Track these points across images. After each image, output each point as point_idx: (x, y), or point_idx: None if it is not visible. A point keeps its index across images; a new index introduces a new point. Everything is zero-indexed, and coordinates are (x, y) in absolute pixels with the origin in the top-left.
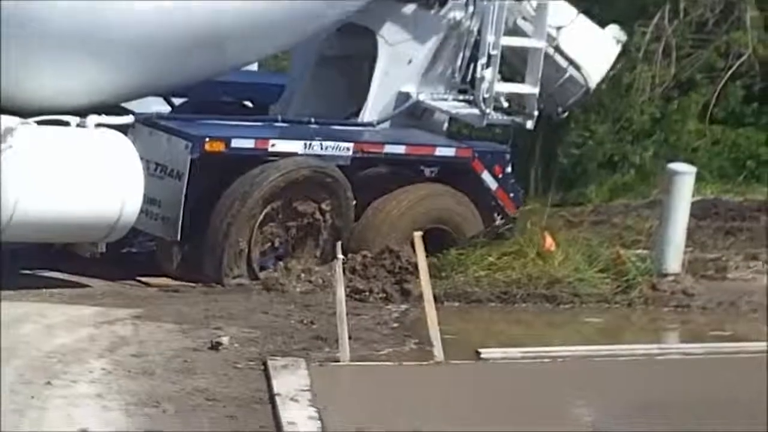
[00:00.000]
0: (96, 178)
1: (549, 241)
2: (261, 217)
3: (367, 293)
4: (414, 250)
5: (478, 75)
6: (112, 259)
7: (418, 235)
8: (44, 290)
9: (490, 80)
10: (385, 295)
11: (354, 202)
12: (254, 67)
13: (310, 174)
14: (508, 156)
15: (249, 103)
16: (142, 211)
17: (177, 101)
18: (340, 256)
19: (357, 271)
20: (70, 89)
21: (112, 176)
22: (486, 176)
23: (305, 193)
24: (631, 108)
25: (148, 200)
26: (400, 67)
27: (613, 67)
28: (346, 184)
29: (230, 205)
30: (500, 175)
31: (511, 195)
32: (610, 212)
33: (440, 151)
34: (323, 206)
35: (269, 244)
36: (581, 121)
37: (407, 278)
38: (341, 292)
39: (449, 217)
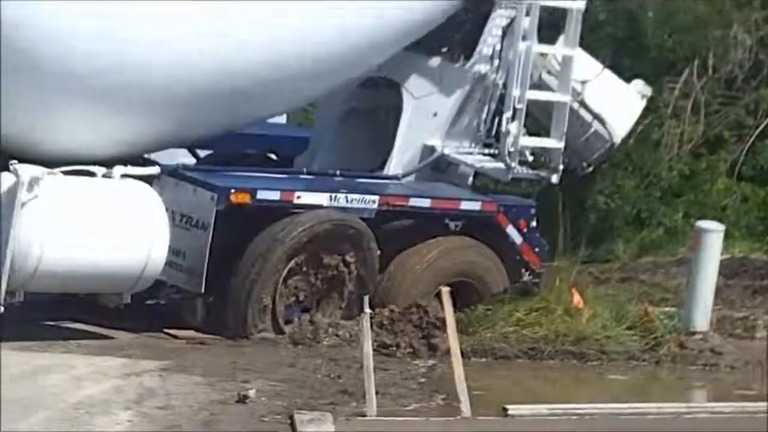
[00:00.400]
0: (122, 229)
1: (577, 297)
2: (285, 272)
3: (395, 348)
4: (441, 306)
5: (503, 129)
6: (137, 310)
7: (446, 290)
8: (70, 341)
9: (516, 134)
10: (412, 349)
11: (378, 252)
12: (283, 119)
13: (332, 227)
14: (533, 210)
15: (273, 156)
16: (167, 262)
17: (202, 153)
18: (368, 310)
19: (384, 325)
20: (95, 139)
21: (137, 227)
22: (511, 230)
23: (329, 246)
24: (659, 164)
25: (173, 251)
26: (425, 120)
27: (641, 123)
28: (370, 235)
29: (253, 263)
30: (525, 230)
31: (536, 249)
32: (638, 269)
33: (465, 205)
34: (347, 258)
35: (294, 297)
36: (609, 176)
37: (435, 333)
38: (368, 346)
39: (474, 270)
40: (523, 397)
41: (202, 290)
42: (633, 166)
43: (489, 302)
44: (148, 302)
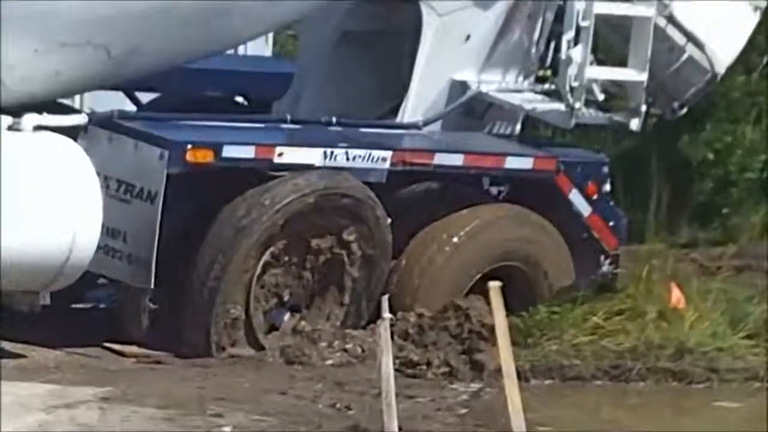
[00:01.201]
0: (36, 202)
1: (676, 295)
2: (258, 269)
3: (425, 367)
4: (489, 307)
5: (563, 56)
6: (63, 317)
7: (495, 286)
8: None
9: (580, 63)
10: (449, 369)
11: (389, 221)
12: (266, 50)
13: (317, 200)
14: (606, 169)
15: (242, 100)
16: (99, 247)
17: (145, 98)
18: (387, 315)
19: (410, 335)
20: None
21: (58, 199)
22: (575, 197)
23: (316, 225)
24: None
25: (109, 232)
26: (453, 47)
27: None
28: (373, 201)
29: (212, 263)
30: (595, 196)
31: (611, 224)
32: (762, 255)
33: (512, 162)
34: (345, 236)
35: (276, 299)
36: (723, 121)
37: (479, 346)
38: (389, 364)
39: (525, 251)
40: None
41: (151, 285)
42: (758, 110)
43: (554, 302)
44: (75, 306)
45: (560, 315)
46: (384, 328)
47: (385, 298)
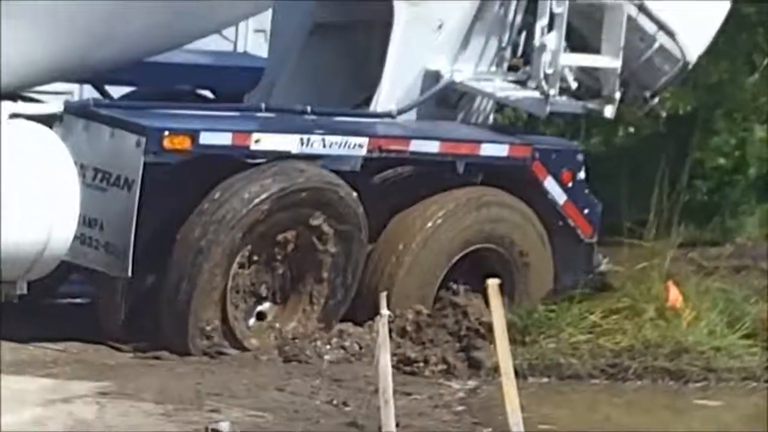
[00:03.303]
0: (12, 190)
1: (674, 294)
2: (229, 282)
3: (422, 364)
4: (487, 305)
5: (536, 43)
6: (56, 310)
7: (493, 284)
8: None
9: (554, 50)
10: (446, 366)
11: (355, 195)
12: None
13: (272, 205)
14: (581, 157)
15: (209, 93)
16: (76, 236)
17: (114, 92)
18: (385, 311)
19: (408, 332)
20: None
21: (34, 187)
22: (550, 184)
23: (279, 223)
24: None
25: (86, 221)
26: (426, 36)
27: None
28: (333, 183)
29: (176, 287)
30: (570, 184)
31: (586, 211)
32: (760, 255)
33: (487, 149)
34: (312, 222)
35: (254, 297)
36: (723, 119)
37: (477, 344)
38: (386, 361)
39: (491, 231)
40: (601, 431)
41: (129, 275)
42: (759, 108)
43: (551, 300)
44: (72, 301)
45: (558, 313)
46: (382, 324)
47: (383, 295)
